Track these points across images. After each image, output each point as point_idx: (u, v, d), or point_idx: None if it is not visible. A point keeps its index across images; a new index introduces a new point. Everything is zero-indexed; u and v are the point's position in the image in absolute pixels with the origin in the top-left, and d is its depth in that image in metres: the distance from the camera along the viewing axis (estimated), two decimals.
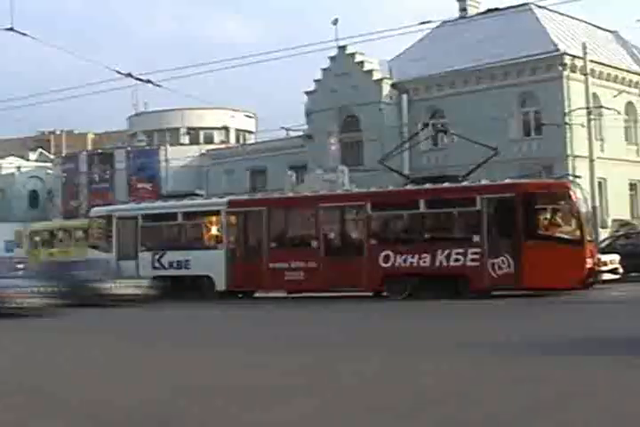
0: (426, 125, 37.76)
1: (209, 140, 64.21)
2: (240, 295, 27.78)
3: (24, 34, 26.21)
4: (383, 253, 24.27)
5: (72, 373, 10.09)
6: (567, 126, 39.68)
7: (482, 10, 50.11)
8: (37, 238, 42.51)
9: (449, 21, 47.35)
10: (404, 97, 46.27)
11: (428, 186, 25.68)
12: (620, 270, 26.09)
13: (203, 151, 59.94)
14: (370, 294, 25.30)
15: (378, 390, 8.02)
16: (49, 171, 67.68)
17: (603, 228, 38.52)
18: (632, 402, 7.03)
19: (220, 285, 27.11)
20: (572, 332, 13.16)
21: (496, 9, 47.70)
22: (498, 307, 20.12)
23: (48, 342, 14.29)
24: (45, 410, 7.48)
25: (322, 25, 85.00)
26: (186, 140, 63.27)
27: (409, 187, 26.64)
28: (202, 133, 64.83)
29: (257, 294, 27.76)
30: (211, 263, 27.16)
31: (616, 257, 26.32)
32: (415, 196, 25.18)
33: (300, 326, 17.02)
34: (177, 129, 63.97)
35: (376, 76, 46.70)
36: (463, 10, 50.76)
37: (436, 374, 8.93)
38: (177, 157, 59.10)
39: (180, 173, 57.99)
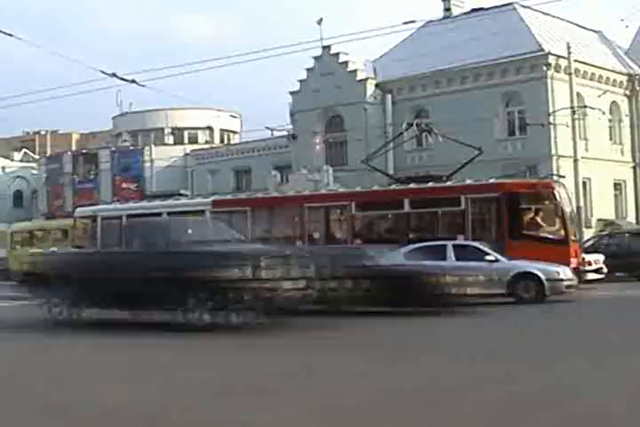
0: (410, 125, 37.72)
1: (193, 141, 64.14)
2: None
3: (9, 34, 26.02)
4: None
5: None
6: (551, 126, 39.74)
7: (466, 10, 50.13)
8: (18, 238, 42.68)
9: (433, 21, 47.39)
10: (389, 97, 46.33)
11: (412, 186, 25.72)
12: (605, 270, 26.15)
13: (187, 151, 59.89)
14: None
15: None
16: (33, 171, 67.48)
17: (587, 227, 38.62)
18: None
19: None
20: (554, 332, 13.17)
21: (480, 9, 47.73)
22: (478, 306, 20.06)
23: None
24: None
25: (307, 24, 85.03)
26: (170, 140, 63.16)
27: (393, 187, 26.66)
28: (186, 133, 64.74)
29: None
30: None
31: (600, 257, 26.38)
32: (399, 195, 25.20)
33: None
34: (161, 129, 63.85)
35: (360, 75, 46.73)
36: (447, 10, 50.83)
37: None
38: (161, 157, 59.05)
39: (165, 173, 57.94)
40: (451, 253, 20.72)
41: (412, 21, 27.35)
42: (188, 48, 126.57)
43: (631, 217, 45.77)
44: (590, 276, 24.59)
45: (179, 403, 7.47)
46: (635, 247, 29.47)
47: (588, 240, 32.28)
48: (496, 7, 47.07)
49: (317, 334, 13.16)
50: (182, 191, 33.46)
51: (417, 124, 39.40)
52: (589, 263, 25.04)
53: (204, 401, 7.53)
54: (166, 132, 63.53)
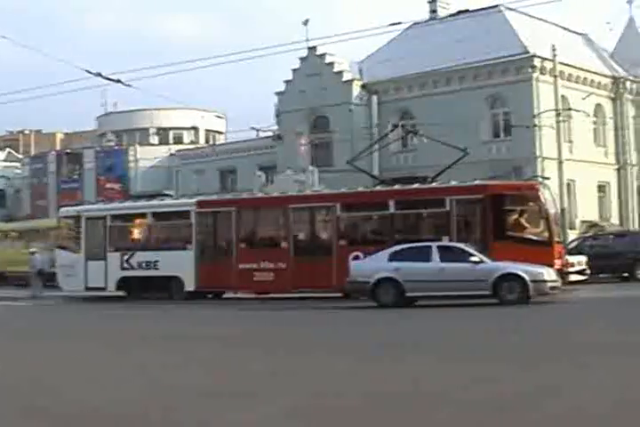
0: (395, 126, 37.67)
1: (178, 141, 63.99)
2: (209, 296, 27.69)
3: None
4: (353, 254, 24.20)
5: None
6: (536, 128, 39.82)
7: (452, 11, 50.14)
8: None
9: (419, 23, 47.36)
10: (374, 98, 46.35)
11: (397, 187, 25.72)
12: (588, 271, 26.23)
13: (172, 151, 59.75)
14: (339, 295, 25.20)
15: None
16: (17, 170, 67.19)
17: (571, 229, 38.74)
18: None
19: (189, 285, 27.01)
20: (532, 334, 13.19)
21: (466, 11, 47.62)
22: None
23: None
24: None
25: (293, 25, 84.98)
26: (155, 140, 63.01)
27: (379, 188, 26.67)
28: (171, 134, 64.58)
29: (227, 295, 27.68)
30: (179, 264, 27.06)
31: (583, 258, 26.46)
32: (385, 197, 25.18)
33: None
34: (146, 129, 63.69)
35: (346, 77, 46.72)
36: (433, 11, 50.86)
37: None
38: (146, 157, 58.92)
39: (150, 174, 57.81)
40: (435, 254, 20.74)
41: (398, 23, 27.38)
42: (173, 48, 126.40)
43: (615, 219, 45.92)
44: (574, 277, 24.65)
45: (161, 403, 7.45)
46: (618, 249, 29.54)
47: (572, 242, 32.35)
48: (482, 9, 46.98)
49: None
50: (167, 192, 33.30)
51: (402, 126, 39.46)
52: (573, 265, 25.11)
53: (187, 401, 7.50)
54: (151, 132, 63.36)
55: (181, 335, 14.70)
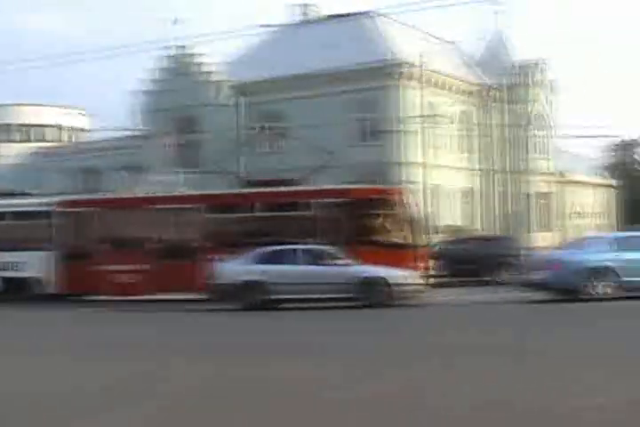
0: (263, 128, 37.63)
1: (41, 138, 62.33)
2: (71, 297, 26.93)
3: None
4: (218, 256, 23.90)
5: None
6: (402, 133, 40.33)
7: (324, 15, 50.39)
8: None
9: (290, 25, 47.52)
10: (243, 99, 46.11)
11: (264, 189, 25.58)
12: (449, 275, 26.61)
13: (34, 149, 58.21)
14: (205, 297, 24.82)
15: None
16: None
17: (435, 233, 39.31)
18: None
19: (50, 287, 26.27)
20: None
21: (338, 15, 48.09)
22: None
23: None
24: None
25: (161, 23, 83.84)
26: (17, 137, 61.24)
27: (246, 190, 26.47)
28: (33, 131, 62.88)
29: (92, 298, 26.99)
30: (40, 265, 26.30)
31: (444, 262, 26.89)
32: (251, 199, 25.03)
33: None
34: (8, 125, 61.84)
35: (215, 77, 46.42)
36: (304, 14, 51.02)
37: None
38: (6, 154, 57.25)
39: (11, 172, 56.15)
40: (301, 257, 20.73)
41: (269, 25, 27.28)
42: (37, 45, 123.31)
43: (479, 224, 46.91)
44: (435, 280, 24.94)
45: None
46: (479, 253, 30.08)
47: (434, 246, 32.78)
48: (353, 14, 47.42)
49: None
50: (28, 190, 32.24)
51: (270, 128, 39.37)
52: (434, 268, 25.42)
53: None
54: (12, 128, 61.57)
55: None
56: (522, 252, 30.32)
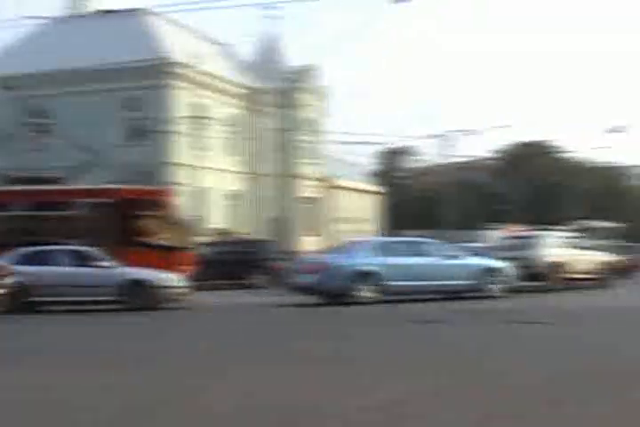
0: (27, 124, 36.30)
1: None
2: None
3: None
4: None
5: None
6: (171, 134, 39.97)
7: (95, 9, 49.21)
8: None
9: (59, 18, 46.09)
10: (7, 93, 44.25)
11: (26, 187, 24.65)
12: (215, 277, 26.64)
13: None
14: None
15: None
16: None
17: (203, 236, 39.18)
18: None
19: None
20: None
21: (109, 10, 47.10)
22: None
23: None
24: None
25: None
26: None
27: (5, 187, 25.42)
28: None
29: None
30: None
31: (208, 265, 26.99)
32: (11, 197, 24.02)
33: None
34: None
35: None
36: (75, 8, 49.67)
37: None
38: None
39: None
40: (64, 258, 20.09)
41: (36, 17, 26.34)
42: None
43: (247, 227, 47.11)
44: (199, 283, 24.78)
45: None
46: (236, 256, 30.25)
47: (200, 248, 32.66)
48: (126, 11, 46.57)
49: None
50: None
51: (34, 124, 38.06)
52: (199, 271, 25.28)
53: None
54: None
55: None
56: (282, 256, 30.64)
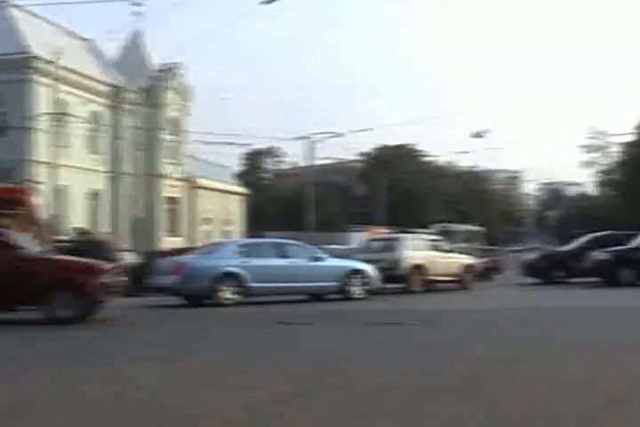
0: None
1: None
2: None
3: None
4: None
5: None
6: (31, 131, 39.02)
7: None
8: None
9: None
10: None
11: None
12: None
13: None
14: None
15: None
16: None
17: (63, 235, 38.35)
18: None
19: None
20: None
21: None
22: None
23: None
24: None
25: None
26: None
27: None
28: None
29: None
30: None
31: None
32: None
33: None
34: None
35: None
36: None
37: None
38: None
39: None
40: None
41: None
42: None
43: (106, 226, 46.37)
44: None
45: None
46: (80, 256, 29.54)
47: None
48: None
49: None
50: None
51: None
52: None
53: None
54: None
55: None
56: (120, 256, 30.08)
